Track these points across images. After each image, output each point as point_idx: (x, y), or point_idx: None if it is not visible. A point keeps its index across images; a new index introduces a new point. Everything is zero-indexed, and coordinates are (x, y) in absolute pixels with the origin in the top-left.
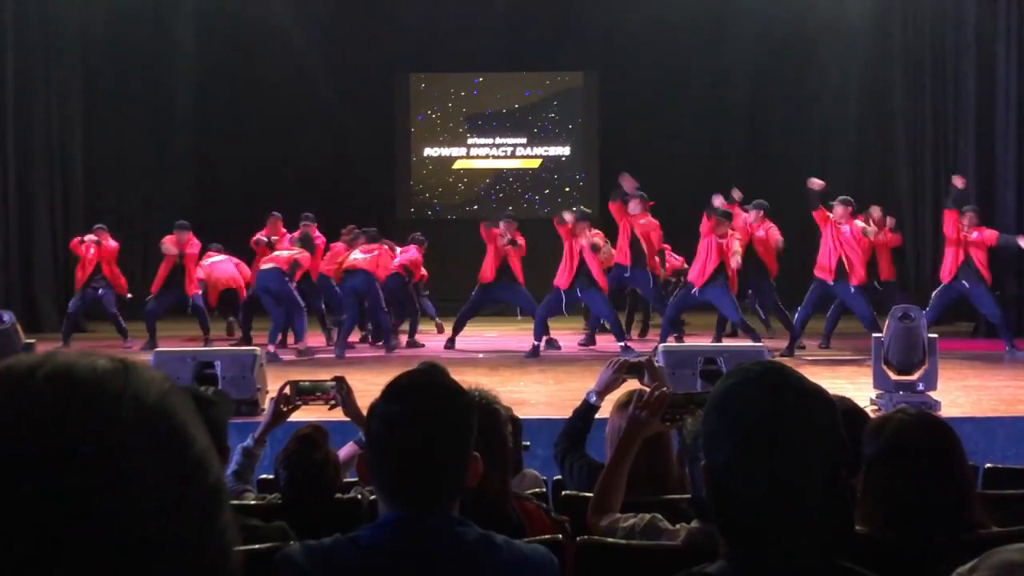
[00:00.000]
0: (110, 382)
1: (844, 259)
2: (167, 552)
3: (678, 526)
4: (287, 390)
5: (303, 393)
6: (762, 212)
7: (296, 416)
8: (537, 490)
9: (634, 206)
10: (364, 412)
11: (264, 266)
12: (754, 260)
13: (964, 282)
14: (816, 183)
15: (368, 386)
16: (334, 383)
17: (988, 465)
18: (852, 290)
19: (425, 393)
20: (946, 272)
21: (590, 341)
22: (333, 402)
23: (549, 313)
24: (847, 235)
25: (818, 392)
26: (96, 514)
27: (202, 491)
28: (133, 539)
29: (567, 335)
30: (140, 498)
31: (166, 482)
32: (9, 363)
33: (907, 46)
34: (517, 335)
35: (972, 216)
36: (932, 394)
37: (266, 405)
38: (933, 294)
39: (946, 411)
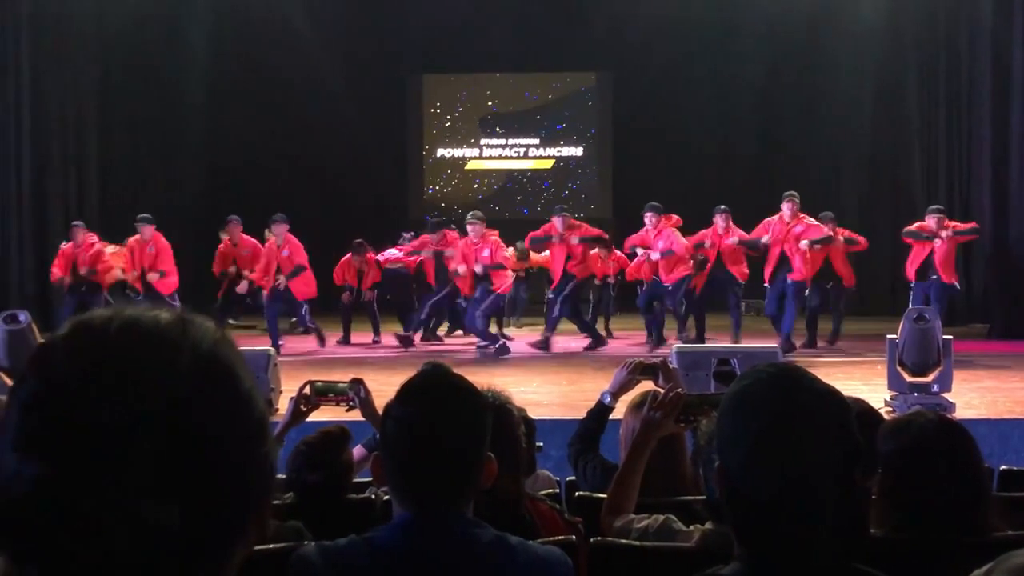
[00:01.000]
0: (171, 332)
1: (788, 256)
2: (220, 472)
3: (692, 527)
4: (306, 390)
5: (318, 394)
6: (728, 216)
7: (316, 416)
8: (550, 491)
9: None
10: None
11: (392, 267)
12: (722, 268)
13: (932, 276)
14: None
15: (382, 386)
16: (350, 385)
17: (1003, 467)
18: (792, 285)
19: (439, 394)
20: (912, 271)
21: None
22: (351, 404)
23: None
24: (795, 233)
25: (832, 393)
26: (162, 442)
27: (249, 423)
28: (191, 462)
29: (571, 337)
30: (197, 429)
31: (219, 415)
32: (86, 317)
33: (921, 47)
34: (529, 336)
35: (941, 218)
36: (947, 396)
37: (280, 405)
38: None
39: (961, 413)
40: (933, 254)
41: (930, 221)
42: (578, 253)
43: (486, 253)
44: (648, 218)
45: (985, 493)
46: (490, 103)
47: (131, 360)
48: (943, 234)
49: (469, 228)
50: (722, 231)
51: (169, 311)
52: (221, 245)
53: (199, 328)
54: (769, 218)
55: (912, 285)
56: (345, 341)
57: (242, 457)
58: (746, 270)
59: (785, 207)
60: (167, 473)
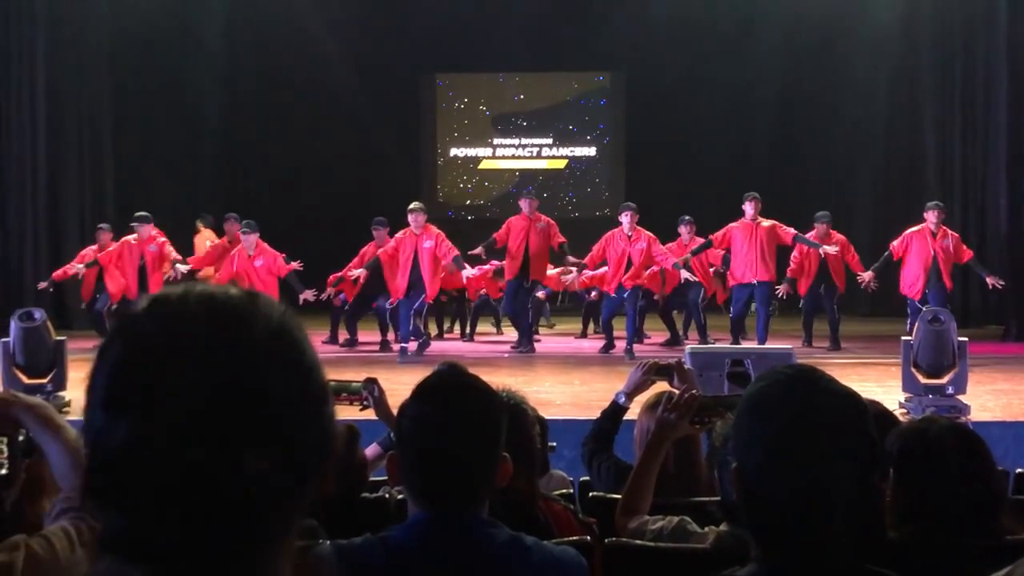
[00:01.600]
0: (244, 306)
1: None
2: (293, 429)
3: (707, 529)
4: None
5: (331, 392)
6: (692, 227)
7: None
8: (564, 491)
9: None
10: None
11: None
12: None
13: (927, 291)
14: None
15: (395, 386)
16: (363, 385)
17: (1019, 470)
18: (759, 288)
19: (455, 393)
20: (915, 286)
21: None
22: (365, 403)
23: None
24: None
25: (849, 395)
26: (243, 405)
27: (315, 387)
28: (270, 421)
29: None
30: (272, 392)
31: (289, 380)
32: (163, 293)
33: (936, 48)
34: (541, 336)
35: (940, 212)
36: (961, 398)
37: None
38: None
39: (976, 415)
40: (937, 259)
41: (929, 217)
42: (536, 246)
43: (428, 244)
44: (628, 217)
45: (1000, 496)
46: (503, 103)
47: (211, 329)
48: (942, 243)
49: (411, 218)
50: (687, 242)
51: (236, 288)
52: (219, 241)
53: (267, 303)
54: (735, 224)
55: (912, 301)
56: (351, 342)
57: (310, 416)
58: (716, 289)
59: (748, 207)
60: (254, 430)
